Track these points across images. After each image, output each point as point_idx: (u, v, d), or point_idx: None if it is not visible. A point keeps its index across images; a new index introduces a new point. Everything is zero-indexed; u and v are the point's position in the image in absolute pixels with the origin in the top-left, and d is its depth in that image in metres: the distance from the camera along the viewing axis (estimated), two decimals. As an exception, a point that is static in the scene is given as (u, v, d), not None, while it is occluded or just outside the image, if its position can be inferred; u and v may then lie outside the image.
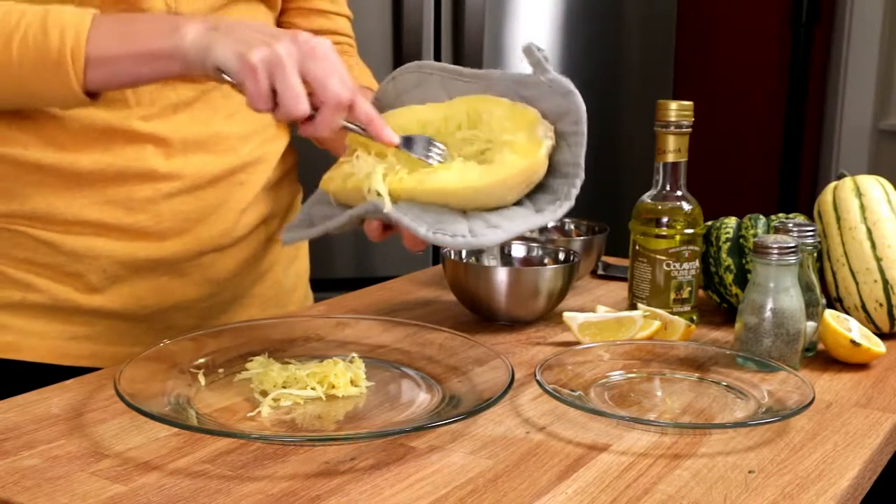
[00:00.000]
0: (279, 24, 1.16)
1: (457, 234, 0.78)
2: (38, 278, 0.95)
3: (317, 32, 1.16)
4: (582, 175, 0.81)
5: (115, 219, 0.94)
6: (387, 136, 0.83)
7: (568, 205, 0.81)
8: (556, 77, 0.82)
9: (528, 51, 0.84)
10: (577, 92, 0.81)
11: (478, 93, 0.86)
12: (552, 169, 0.83)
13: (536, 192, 0.83)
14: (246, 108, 1.05)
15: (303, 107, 0.79)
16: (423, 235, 0.78)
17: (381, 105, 0.92)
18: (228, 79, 0.80)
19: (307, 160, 1.18)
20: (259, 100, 0.79)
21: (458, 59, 1.91)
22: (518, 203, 0.83)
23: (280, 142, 1.11)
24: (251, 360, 0.88)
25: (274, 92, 0.79)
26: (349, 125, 0.83)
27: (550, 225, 1.37)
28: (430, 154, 0.84)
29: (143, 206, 0.95)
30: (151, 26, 0.84)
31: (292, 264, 1.17)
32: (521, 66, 0.86)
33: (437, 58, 1.88)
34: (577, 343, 0.99)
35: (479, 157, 0.82)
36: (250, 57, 0.78)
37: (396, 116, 0.88)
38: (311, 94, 0.80)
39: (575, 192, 0.81)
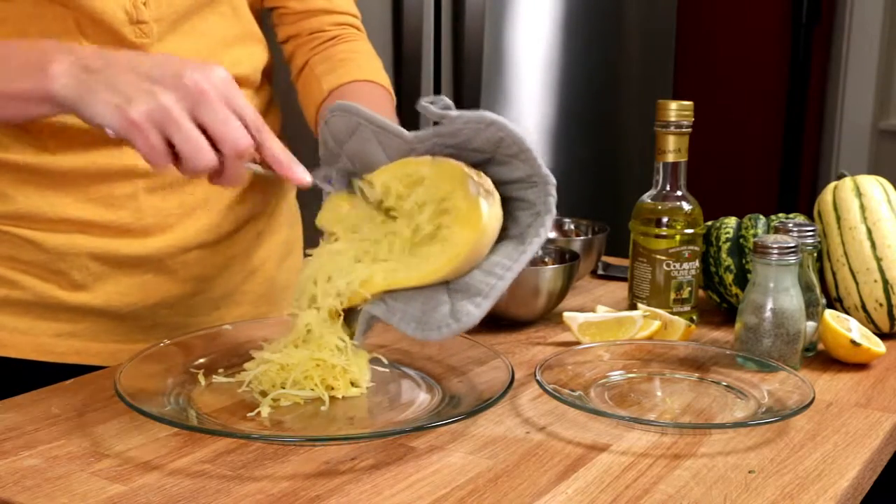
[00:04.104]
0: (272, 8, 1.11)
1: (442, 326, 0.77)
2: (23, 276, 0.94)
3: (314, 13, 1.10)
4: (552, 181, 0.78)
5: (96, 216, 0.94)
6: (298, 176, 0.78)
7: (550, 218, 0.79)
8: (470, 116, 0.78)
9: (425, 109, 0.80)
10: (498, 118, 0.77)
11: (404, 153, 0.83)
12: (519, 183, 0.80)
13: (514, 209, 0.81)
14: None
15: (208, 158, 0.72)
16: (412, 335, 0.79)
17: (329, 153, 0.89)
18: (112, 133, 0.73)
19: (297, 156, 1.16)
20: (155, 157, 0.72)
21: (457, 59, 1.91)
22: (501, 236, 0.80)
23: None
24: (253, 360, 0.88)
25: (171, 145, 0.72)
26: (256, 168, 0.77)
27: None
28: (349, 187, 0.83)
29: (123, 203, 0.94)
30: (20, 62, 0.76)
31: (285, 261, 1.15)
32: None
33: (438, 58, 1.88)
34: (577, 343, 0.99)
35: (436, 225, 0.80)
36: (131, 112, 0.70)
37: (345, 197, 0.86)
38: (211, 141, 0.73)
39: (552, 200, 0.78)
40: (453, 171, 0.79)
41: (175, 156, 0.73)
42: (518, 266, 0.78)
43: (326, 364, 0.83)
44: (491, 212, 0.77)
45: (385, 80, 1.10)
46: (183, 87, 0.72)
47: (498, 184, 0.80)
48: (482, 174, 0.79)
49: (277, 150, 0.77)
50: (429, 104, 0.80)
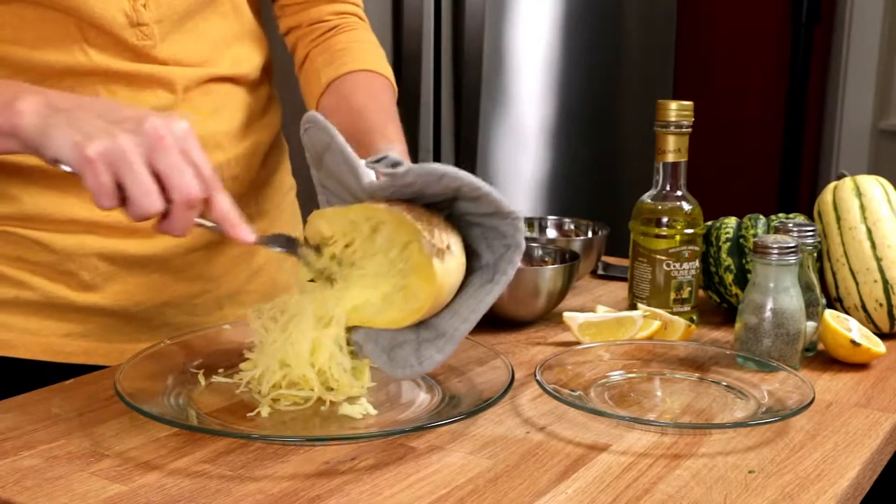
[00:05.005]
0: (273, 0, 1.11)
1: (406, 366, 0.78)
2: (31, 276, 0.94)
3: (314, 2, 1.09)
4: (519, 215, 0.77)
5: (103, 216, 0.94)
6: (242, 235, 0.78)
7: (518, 253, 0.77)
8: (420, 170, 0.77)
9: (372, 168, 0.80)
10: (450, 169, 0.76)
11: (366, 195, 0.83)
12: (489, 216, 0.79)
13: (488, 237, 0.80)
14: (230, 105, 1.01)
15: (155, 203, 0.72)
16: (382, 367, 0.80)
17: (312, 159, 0.88)
18: (68, 170, 0.73)
19: (301, 154, 1.16)
20: (102, 195, 0.72)
21: (457, 59, 1.91)
22: (474, 264, 0.80)
23: (269, 134, 1.09)
24: (249, 360, 0.88)
25: (121, 188, 0.72)
26: (203, 222, 0.77)
27: (548, 225, 1.37)
28: (294, 251, 0.84)
29: None
30: None
31: (286, 262, 1.15)
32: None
33: (438, 58, 1.88)
34: (577, 343, 0.99)
35: (405, 259, 0.80)
36: (88, 149, 0.71)
37: (322, 217, 0.86)
38: (163, 189, 0.73)
39: (521, 235, 0.77)
40: (406, 226, 0.78)
41: (123, 199, 0.73)
42: (484, 306, 0.78)
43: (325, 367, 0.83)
44: (445, 268, 0.77)
45: (385, 69, 1.09)
46: (143, 132, 0.73)
47: (468, 216, 0.80)
48: (434, 231, 0.78)
49: (227, 207, 0.78)
50: (374, 164, 0.80)
